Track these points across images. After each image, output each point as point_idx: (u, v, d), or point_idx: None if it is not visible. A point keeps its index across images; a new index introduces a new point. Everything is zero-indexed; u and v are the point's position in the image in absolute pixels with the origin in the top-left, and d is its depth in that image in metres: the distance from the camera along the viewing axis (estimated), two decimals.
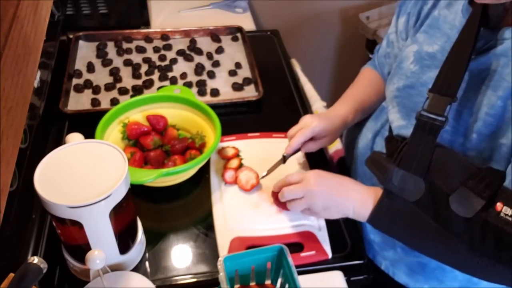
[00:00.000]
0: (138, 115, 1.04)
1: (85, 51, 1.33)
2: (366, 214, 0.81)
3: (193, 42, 1.37)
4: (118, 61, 1.30)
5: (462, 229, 0.72)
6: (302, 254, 0.87)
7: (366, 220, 0.81)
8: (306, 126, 0.95)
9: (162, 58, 1.32)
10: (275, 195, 0.91)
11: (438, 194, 0.74)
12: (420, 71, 0.84)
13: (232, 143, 1.07)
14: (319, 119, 0.95)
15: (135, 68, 1.27)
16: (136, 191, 0.81)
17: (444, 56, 0.77)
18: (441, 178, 0.74)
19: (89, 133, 0.93)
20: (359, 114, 1.03)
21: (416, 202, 0.76)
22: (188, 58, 1.32)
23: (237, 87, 1.24)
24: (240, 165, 1.00)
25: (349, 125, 1.01)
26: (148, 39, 1.38)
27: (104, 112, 0.99)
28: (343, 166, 1.13)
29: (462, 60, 0.73)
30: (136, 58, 1.32)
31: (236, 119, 1.17)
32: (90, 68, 1.27)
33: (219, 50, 1.35)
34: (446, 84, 0.74)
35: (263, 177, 0.97)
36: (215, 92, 1.21)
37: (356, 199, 0.82)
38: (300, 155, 1.03)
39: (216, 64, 1.30)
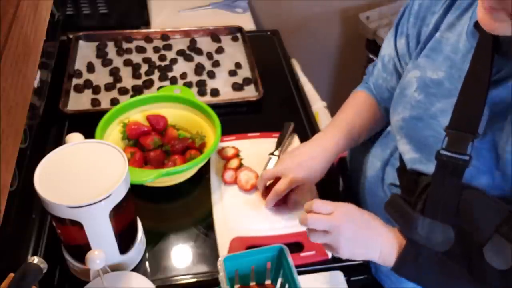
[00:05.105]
0: (138, 115, 1.04)
1: (85, 51, 1.33)
2: (392, 261, 0.74)
3: (193, 42, 1.37)
4: (118, 61, 1.30)
5: (498, 282, 0.66)
6: (302, 254, 0.87)
7: (391, 268, 0.75)
8: (283, 176, 0.89)
9: (162, 58, 1.32)
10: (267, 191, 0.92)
11: (470, 243, 0.68)
12: (426, 100, 0.77)
13: (232, 143, 1.07)
14: (299, 170, 0.88)
15: (135, 68, 1.27)
16: (136, 191, 0.81)
17: (453, 84, 0.72)
18: (471, 225, 0.67)
19: (89, 133, 0.93)
20: (351, 142, 0.95)
21: (445, 252, 0.70)
22: (188, 58, 1.32)
23: (237, 87, 1.23)
24: (240, 165, 1.00)
25: (338, 154, 0.94)
26: (148, 39, 1.38)
27: (104, 112, 0.99)
28: (343, 167, 1.13)
29: (480, 92, 0.66)
30: (136, 58, 1.32)
31: (236, 119, 1.17)
32: (90, 68, 1.27)
33: (219, 50, 1.35)
34: (465, 119, 0.67)
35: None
36: (215, 92, 1.21)
37: (384, 243, 0.75)
38: None
39: (216, 64, 1.30)
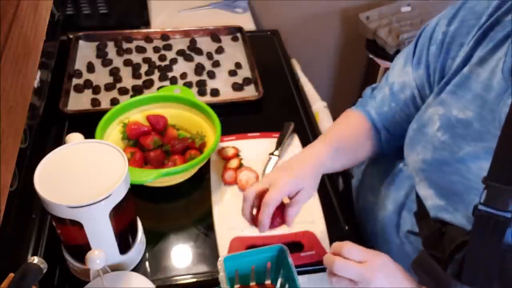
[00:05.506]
0: (138, 115, 1.04)
1: (85, 51, 1.33)
2: None
3: (193, 42, 1.37)
4: (118, 61, 1.30)
5: None
6: (302, 254, 0.87)
7: None
8: (271, 185, 0.75)
9: (162, 58, 1.32)
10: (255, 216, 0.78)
11: None
12: (452, 142, 0.69)
13: (232, 143, 1.07)
14: (286, 175, 0.76)
15: (135, 68, 1.27)
16: (136, 191, 0.81)
17: (484, 127, 0.65)
18: None
19: (89, 133, 0.93)
20: (341, 151, 0.84)
21: None
22: (188, 58, 1.32)
23: (237, 87, 1.24)
24: (240, 165, 1.00)
25: (327, 159, 0.82)
26: (148, 39, 1.38)
27: (104, 112, 0.99)
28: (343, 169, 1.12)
29: None
30: (136, 58, 1.32)
31: (236, 119, 1.17)
32: (90, 68, 1.27)
33: (219, 50, 1.35)
34: (506, 171, 0.60)
35: None
36: (215, 92, 1.21)
37: None
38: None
39: (216, 64, 1.30)
